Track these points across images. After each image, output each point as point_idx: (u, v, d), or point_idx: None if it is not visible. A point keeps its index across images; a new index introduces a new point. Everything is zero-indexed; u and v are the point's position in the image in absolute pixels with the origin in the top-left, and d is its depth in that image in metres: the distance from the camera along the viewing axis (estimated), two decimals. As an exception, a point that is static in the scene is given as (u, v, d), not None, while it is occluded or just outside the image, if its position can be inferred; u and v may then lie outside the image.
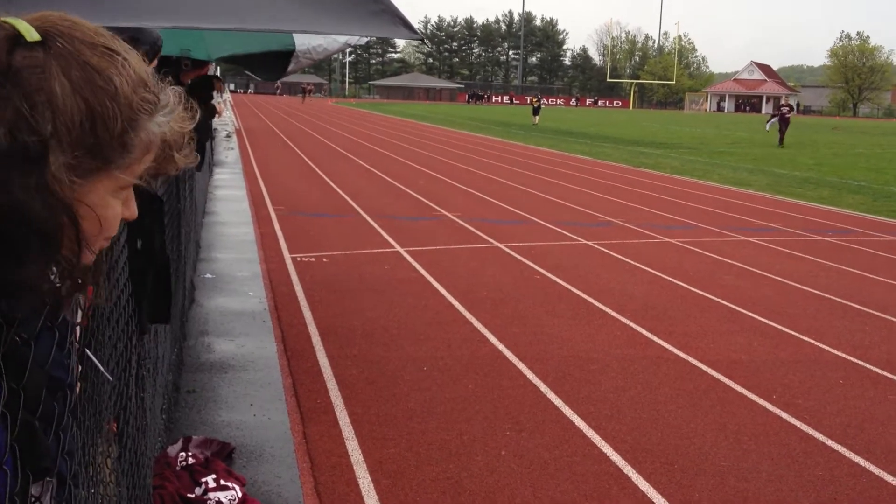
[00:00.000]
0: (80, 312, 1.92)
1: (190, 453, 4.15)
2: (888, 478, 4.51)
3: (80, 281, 1.09)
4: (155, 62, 3.19)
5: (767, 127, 38.71)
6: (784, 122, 36.66)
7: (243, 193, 14.44)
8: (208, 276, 8.24)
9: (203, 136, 4.88)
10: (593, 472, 4.45)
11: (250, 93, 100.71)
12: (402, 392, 5.47)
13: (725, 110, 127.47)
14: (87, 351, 2.00)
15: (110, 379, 2.32)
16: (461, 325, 7.07)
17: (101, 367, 2.19)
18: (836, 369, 6.35)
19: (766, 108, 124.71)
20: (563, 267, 9.55)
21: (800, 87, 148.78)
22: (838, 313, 8.04)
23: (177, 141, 1.11)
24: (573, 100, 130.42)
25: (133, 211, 1.13)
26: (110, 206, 1.07)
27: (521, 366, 6.09)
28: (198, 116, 1.14)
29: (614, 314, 7.63)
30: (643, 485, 4.32)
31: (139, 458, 3.03)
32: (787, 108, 37.35)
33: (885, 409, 5.54)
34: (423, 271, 9.01)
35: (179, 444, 4.29)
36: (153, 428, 3.71)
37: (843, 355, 6.69)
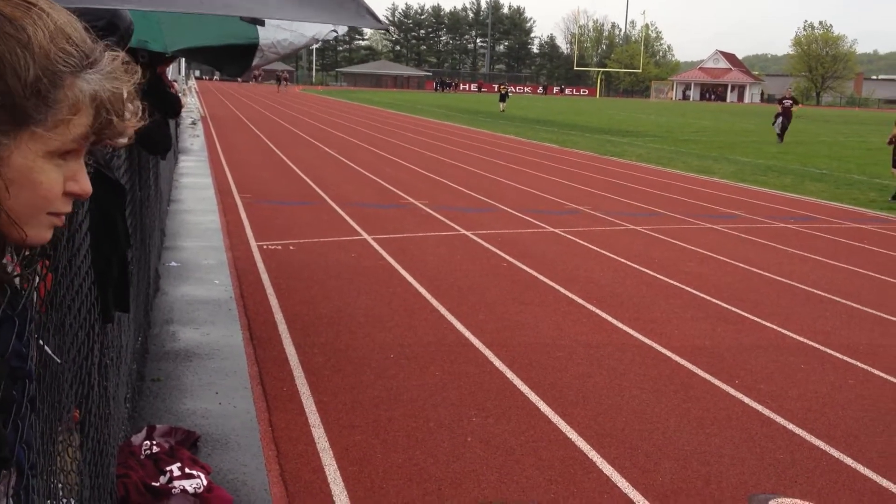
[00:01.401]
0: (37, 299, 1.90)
1: (154, 442, 4.13)
2: (848, 461, 4.58)
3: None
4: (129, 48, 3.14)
5: (776, 128, 33.72)
6: (787, 117, 32.73)
7: (209, 181, 14.32)
8: (173, 264, 8.18)
9: (160, 130, 4.80)
10: (559, 457, 4.48)
11: (216, 79, 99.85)
12: (368, 379, 5.47)
13: (691, 98, 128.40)
14: (38, 339, 1.98)
15: (58, 361, 2.30)
16: (428, 313, 7.08)
17: (49, 351, 2.17)
18: (797, 354, 6.44)
19: (731, 97, 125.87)
20: (530, 254, 9.58)
21: (764, 76, 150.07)
22: (800, 299, 8.15)
23: (114, 103, 1.05)
24: (540, 88, 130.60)
25: (84, 186, 1.08)
26: (44, 172, 1.02)
27: (488, 353, 6.12)
28: (137, 76, 1.09)
29: (580, 301, 7.67)
30: (608, 469, 4.36)
31: (102, 446, 3.00)
32: (791, 102, 33.03)
33: (845, 394, 5.63)
34: (390, 259, 9.01)
35: (144, 433, 4.26)
36: (117, 417, 3.68)
37: (805, 340, 6.79)
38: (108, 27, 2.94)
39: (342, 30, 6.49)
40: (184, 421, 4.66)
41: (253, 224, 10.63)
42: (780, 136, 32.52)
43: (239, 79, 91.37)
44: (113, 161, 3.25)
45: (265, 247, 9.30)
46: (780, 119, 32.65)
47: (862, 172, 21.62)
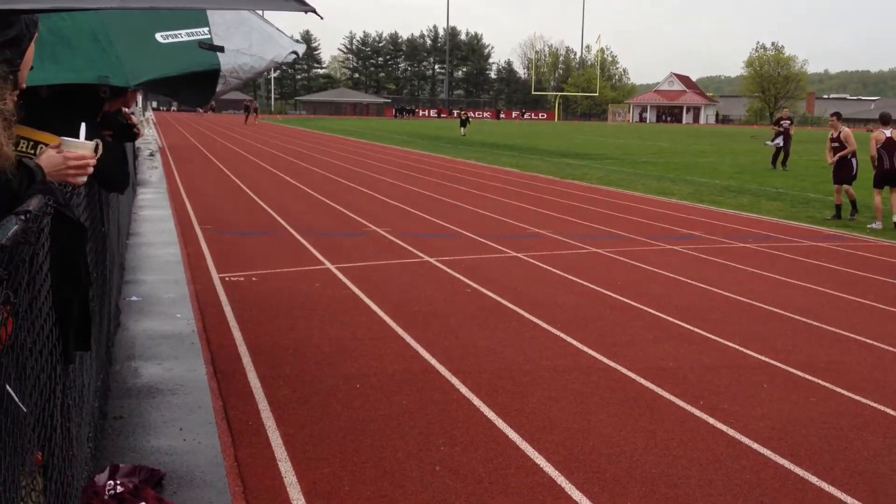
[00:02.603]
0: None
1: (118, 482, 4.07)
2: (813, 479, 4.63)
3: None
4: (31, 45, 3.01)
5: (769, 143, 31.25)
6: (787, 140, 29.91)
7: (168, 213, 14.21)
8: (134, 298, 8.09)
9: (117, 160, 4.73)
10: (527, 484, 4.48)
11: (173, 110, 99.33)
12: (334, 411, 5.44)
13: (647, 121, 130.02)
14: (6, 386, 1.95)
15: (24, 410, 2.27)
16: (393, 341, 7.07)
17: (17, 399, 2.14)
18: (759, 373, 6.51)
19: (687, 118, 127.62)
20: (494, 280, 9.61)
21: (718, 97, 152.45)
22: (761, 318, 8.24)
23: None
24: (500, 113, 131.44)
25: None
26: None
27: (454, 380, 6.11)
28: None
29: (545, 325, 7.70)
30: (576, 495, 4.36)
31: (66, 489, 2.95)
32: (789, 122, 30.18)
33: (808, 412, 5.70)
34: (353, 288, 8.98)
35: (107, 473, 4.20)
36: (80, 457, 3.62)
37: (767, 359, 6.87)
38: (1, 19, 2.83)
39: (301, 49, 6.49)
40: (148, 459, 4.59)
41: (214, 255, 10.56)
42: (784, 162, 29.89)
43: (199, 109, 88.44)
44: (72, 199, 3.22)
45: (227, 278, 9.23)
46: (780, 142, 29.87)
47: (817, 191, 21.99)
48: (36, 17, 3.12)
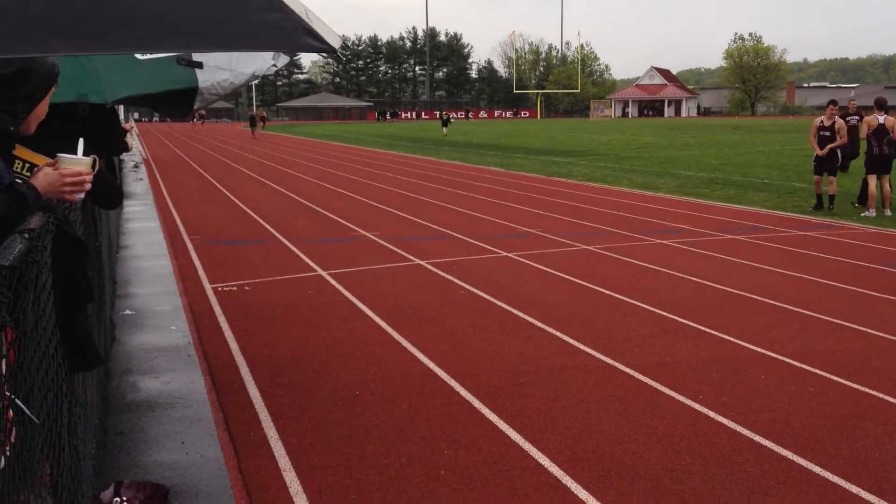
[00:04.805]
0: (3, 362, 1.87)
1: (124, 498, 4.05)
2: (817, 469, 4.65)
3: None
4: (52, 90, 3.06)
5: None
6: (851, 139, 18.81)
7: (157, 224, 14.16)
8: (127, 312, 8.05)
9: (109, 176, 4.71)
10: (532, 484, 4.48)
11: (155, 121, 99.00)
12: (335, 418, 5.43)
13: (630, 115, 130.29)
14: (17, 400, 1.94)
15: (36, 421, 2.25)
16: (390, 346, 7.06)
17: (29, 412, 2.13)
18: (756, 365, 6.53)
19: (669, 112, 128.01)
20: (486, 280, 9.61)
21: (699, 90, 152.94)
22: (754, 310, 8.27)
23: None
24: (468, 112, 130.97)
25: None
26: None
27: (453, 383, 6.11)
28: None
29: (540, 325, 7.71)
30: (583, 494, 4.37)
31: (74, 508, 2.94)
32: (857, 119, 21.24)
33: (807, 402, 5.72)
34: (347, 293, 8.97)
35: (112, 489, 4.18)
36: (85, 474, 3.60)
37: (763, 351, 6.89)
38: (20, 74, 2.84)
39: (282, 62, 6.46)
40: (151, 474, 4.57)
41: (205, 266, 10.52)
42: (844, 166, 20.52)
43: (195, 121, 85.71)
44: (70, 216, 3.20)
45: (220, 289, 9.20)
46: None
47: (801, 180, 22.07)
48: (57, 70, 3.09)
